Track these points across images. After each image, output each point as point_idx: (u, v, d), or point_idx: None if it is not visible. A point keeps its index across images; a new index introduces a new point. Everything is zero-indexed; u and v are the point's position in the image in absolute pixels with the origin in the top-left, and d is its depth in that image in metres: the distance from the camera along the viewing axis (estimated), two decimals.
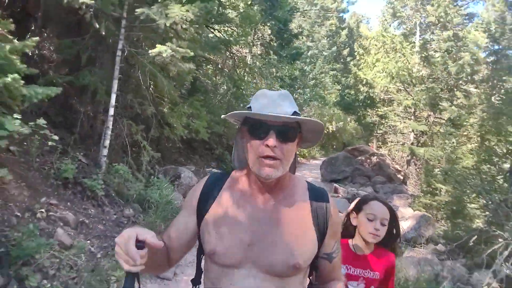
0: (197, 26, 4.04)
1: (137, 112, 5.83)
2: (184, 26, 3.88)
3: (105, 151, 5.06)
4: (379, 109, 13.87)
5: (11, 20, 3.55)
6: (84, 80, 5.04)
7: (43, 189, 4.45)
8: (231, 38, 6.88)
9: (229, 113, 1.07)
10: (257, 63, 11.16)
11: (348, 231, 1.79)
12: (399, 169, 12.89)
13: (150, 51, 4.15)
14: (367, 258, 1.76)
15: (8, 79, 2.86)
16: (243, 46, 9.19)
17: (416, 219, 6.54)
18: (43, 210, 4.07)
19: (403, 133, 12.74)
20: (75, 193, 4.89)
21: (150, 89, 5.71)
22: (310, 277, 1.21)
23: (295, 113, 1.04)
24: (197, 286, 1.20)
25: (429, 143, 10.75)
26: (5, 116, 3.08)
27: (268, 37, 10.76)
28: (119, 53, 4.82)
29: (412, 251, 5.94)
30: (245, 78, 9.63)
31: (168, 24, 3.78)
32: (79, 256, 3.76)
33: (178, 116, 6.65)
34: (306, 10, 15.21)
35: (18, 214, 3.87)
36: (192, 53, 3.95)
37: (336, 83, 22.31)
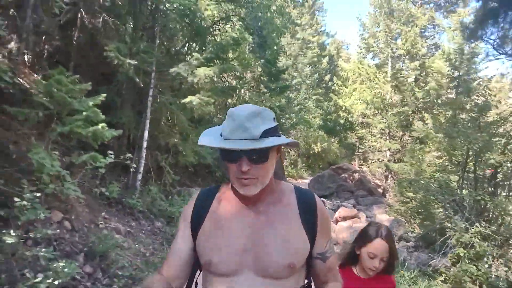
0: (215, 79, 5.56)
1: (159, 143, 7.25)
2: (206, 80, 5.38)
3: (139, 176, 6.42)
4: (357, 132, 15.66)
5: (78, 76, 4.97)
6: (121, 119, 6.45)
7: (96, 207, 5.76)
8: (238, 85, 8.47)
9: (200, 142, 1.11)
10: (248, 94, 12.75)
11: (351, 258, 1.91)
12: (379, 183, 14.51)
13: (183, 100, 5.62)
14: (370, 282, 1.87)
15: (99, 127, 4.28)
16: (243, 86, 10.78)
17: (390, 222, 8.06)
18: (102, 222, 5.39)
19: (380, 151, 14.50)
20: (118, 210, 6.20)
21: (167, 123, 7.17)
22: (306, 279, 1.26)
23: (266, 132, 1.05)
24: None
25: (403, 159, 12.44)
26: (92, 152, 4.48)
27: (258, 73, 12.43)
28: (150, 98, 6.28)
29: None
30: None
31: (195, 81, 5.28)
32: (136, 254, 5.09)
33: (188, 145, 8.08)
34: (289, 44, 17.03)
35: (86, 224, 5.19)
36: (212, 101, 5.45)
37: (318, 107, 24.20)
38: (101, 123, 4.35)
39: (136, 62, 5.61)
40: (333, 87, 19.15)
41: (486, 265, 5.44)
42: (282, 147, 1.18)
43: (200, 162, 8.88)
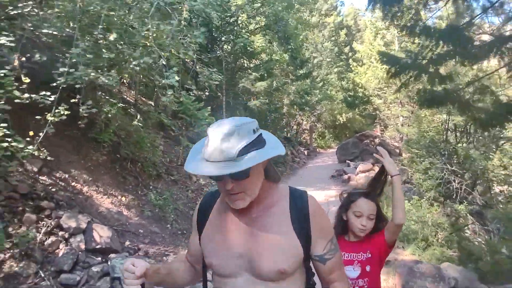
0: (267, 88, 9.16)
1: None
2: (261, 89, 8.98)
3: None
4: (374, 103, 19.02)
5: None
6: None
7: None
8: (280, 87, 12.06)
9: (186, 168, 1.20)
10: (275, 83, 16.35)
11: (341, 226, 2.08)
12: (397, 145, 17.92)
13: (249, 103, 9.34)
14: (358, 243, 2.04)
15: None
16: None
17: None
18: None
19: (394, 118, 17.87)
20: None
21: None
22: (308, 280, 1.34)
23: (244, 148, 1.11)
24: None
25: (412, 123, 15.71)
26: None
27: (285, 62, 15.94)
28: (224, 104, 10.07)
29: None
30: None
31: (257, 90, 8.92)
32: None
33: None
34: (306, 20, 19.86)
35: None
36: (267, 101, 9.09)
37: (340, 80, 27.30)
38: None
39: (217, 82, 9.37)
40: (350, 66, 22.32)
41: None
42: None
43: None
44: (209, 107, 8.18)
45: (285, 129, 21.54)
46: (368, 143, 19.53)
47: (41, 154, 3.97)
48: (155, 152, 7.16)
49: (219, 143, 1.11)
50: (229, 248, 1.27)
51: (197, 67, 6.15)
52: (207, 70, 6.27)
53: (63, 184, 5.19)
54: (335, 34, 31.34)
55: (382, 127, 21.28)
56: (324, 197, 9.77)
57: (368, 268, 2.00)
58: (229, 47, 9.24)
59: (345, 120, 28.68)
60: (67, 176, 5.34)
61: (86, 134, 5.86)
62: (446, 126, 10.67)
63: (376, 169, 13.20)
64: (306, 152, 21.56)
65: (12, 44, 3.68)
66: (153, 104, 7.98)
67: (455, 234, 7.01)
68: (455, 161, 9.79)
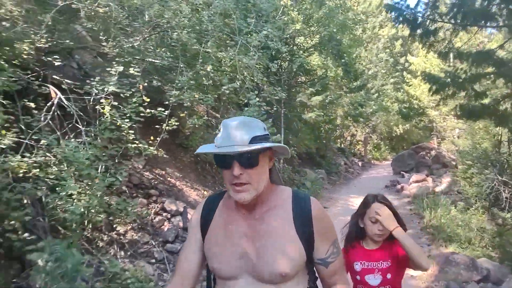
0: (322, 101, 10.41)
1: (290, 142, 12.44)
2: (317, 103, 10.21)
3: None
4: (429, 115, 19.39)
5: None
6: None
7: None
8: (334, 101, 13.27)
9: (197, 152, 1.31)
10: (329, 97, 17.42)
11: (358, 233, 2.12)
12: (453, 157, 18.11)
13: (304, 116, 10.64)
14: (377, 251, 2.09)
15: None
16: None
17: (448, 182, 12.25)
18: None
19: (451, 130, 18.14)
20: None
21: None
22: (310, 283, 1.37)
23: (255, 138, 1.22)
24: None
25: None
26: None
27: (338, 76, 17.01)
28: (283, 115, 11.43)
29: None
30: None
31: (313, 104, 10.18)
32: None
33: (303, 139, 13.15)
34: (360, 38, 20.70)
35: None
36: (322, 113, 10.31)
37: (396, 90, 27.59)
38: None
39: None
40: (404, 79, 22.81)
41: None
42: (275, 157, 1.35)
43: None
44: (270, 119, 9.59)
45: (338, 140, 22.44)
46: (424, 155, 19.81)
47: (159, 153, 5.57)
48: None
49: (234, 129, 1.22)
50: (231, 250, 1.29)
51: (265, 86, 7.58)
52: (273, 88, 7.67)
53: (161, 178, 6.82)
54: (390, 45, 31.67)
55: (439, 139, 21.40)
56: None
57: (389, 276, 2.05)
58: (286, 64, 10.62)
59: (402, 131, 28.80)
60: (163, 172, 6.98)
61: (175, 140, 7.50)
62: (499, 138, 11.14)
63: (430, 180, 13.78)
64: (360, 164, 22.23)
65: (139, 73, 5.32)
66: (225, 117, 9.56)
67: (498, 237, 7.66)
68: (507, 171, 10.26)
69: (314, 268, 1.38)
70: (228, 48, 5.98)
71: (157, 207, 6.03)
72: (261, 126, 1.30)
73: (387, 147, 29.83)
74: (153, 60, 5.36)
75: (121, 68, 4.60)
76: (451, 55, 5.72)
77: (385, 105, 24.13)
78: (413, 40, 7.08)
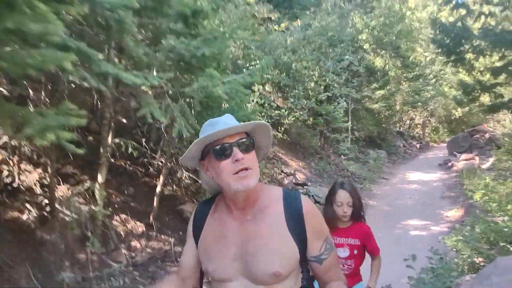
0: (383, 94, 13.80)
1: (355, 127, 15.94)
2: (380, 95, 13.54)
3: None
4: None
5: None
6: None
7: None
8: (394, 93, 16.43)
9: (191, 145, 1.34)
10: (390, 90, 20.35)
11: (332, 213, 2.65)
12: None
13: (369, 106, 14.03)
14: (347, 229, 2.68)
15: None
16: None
17: (493, 161, 15.11)
18: None
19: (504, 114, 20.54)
20: None
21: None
22: (303, 281, 1.42)
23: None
24: None
25: None
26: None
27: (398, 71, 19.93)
28: (349, 107, 14.92)
29: None
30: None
31: (376, 97, 13.50)
32: None
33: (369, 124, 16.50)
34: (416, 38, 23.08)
35: None
36: (384, 105, 13.62)
37: (454, 75, 29.39)
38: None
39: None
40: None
41: None
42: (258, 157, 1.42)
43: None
44: (341, 111, 13.18)
45: (398, 124, 25.33)
46: (478, 137, 22.21)
47: (287, 138, 9.51)
48: (311, 141, 12.52)
49: (222, 120, 1.36)
50: (224, 252, 1.35)
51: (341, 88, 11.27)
52: (345, 87, 11.33)
53: (273, 152, 10.77)
54: None
55: (495, 122, 23.62)
56: (428, 178, 14.02)
57: (355, 252, 2.63)
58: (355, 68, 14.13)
59: (461, 114, 30.63)
60: (273, 149, 10.92)
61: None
62: None
63: (477, 159, 16.58)
64: (418, 146, 24.99)
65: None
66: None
67: None
68: None
69: (308, 267, 1.42)
70: (322, 69, 9.74)
71: (279, 169, 9.99)
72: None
73: (445, 130, 31.81)
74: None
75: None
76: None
77: (442, 90, 26.32)
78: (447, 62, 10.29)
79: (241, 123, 1.33)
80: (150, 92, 3.83)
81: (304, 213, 1.36)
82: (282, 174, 9.83)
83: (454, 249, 4.32)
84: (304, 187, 9.60)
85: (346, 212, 2.60)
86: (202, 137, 1.30)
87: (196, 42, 3.90)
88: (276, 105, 10.19)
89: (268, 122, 9.26)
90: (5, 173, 4.35)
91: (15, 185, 4.32)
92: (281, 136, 9.28)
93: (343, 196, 2.61)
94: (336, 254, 1.50)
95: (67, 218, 4.38)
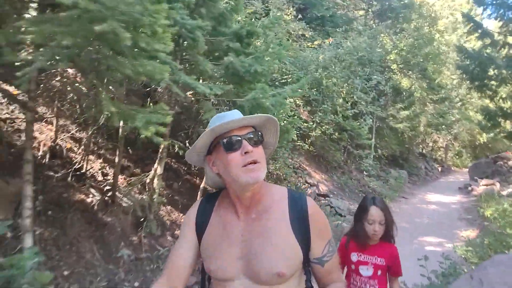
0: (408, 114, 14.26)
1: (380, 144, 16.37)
2: (405, 116, 14.05)
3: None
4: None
5: None
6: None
7: None
8: (419, 114, 16.97)
9: (200, 136, 1.35)
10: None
11: (360, 231, 2.51)
12: None
13: (393, 125, 14.51)
14: (374, 247, 2.50)
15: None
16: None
17: None
18: None
19: None
20: None
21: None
22: (306, 283, 1.42)
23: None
24: None
25: None
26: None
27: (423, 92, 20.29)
28: (374, 125, 15.38)
29: None
30: None
31: (401, 117, 13.98)
32: None
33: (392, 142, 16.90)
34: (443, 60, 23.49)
35: None
36: (408, 124, 14.11)
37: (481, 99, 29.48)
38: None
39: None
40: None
41: None
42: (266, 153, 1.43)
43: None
44: (366, 128, 13.65)
45: (420, 145, 25.52)
46: (502, 164, 22.24)
47: (313, 150, 10.09)
48: (335, 155, 13.03)
49: (231, 114, 1.37)
50: (228, 251, 1.35)
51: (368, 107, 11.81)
52: (372, 105, 11.86)
53: (299, 163, 11.33)
54: None
55: None
56: (447, 200, 14.32)
57: (379, 273, 2.48)
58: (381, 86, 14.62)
59: (485, 140, 30.56)
60: (299, 159, 11.48)
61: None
62: None
63: (498, 184, 16.74)
64: (439, 169, 25.13)
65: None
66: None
67: None
68: None
69: (309, 268, 1.42)
70: (350, 86, 10.32)
71: (303, 179, 10.54)
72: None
73: (468, 155, 31.75)
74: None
75: None
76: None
77: (467, 114, 26.44)
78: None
79: (250, 115, 1.34)
80: (211, 100, 4.50)
81: (310, 214, 1.37)
82: (306, 184, 10.37)
83: (463, 257, 4.80)
84: (326, 198, 10.11)
85: (377, 231, 2.46)
86: (212, 127, 1.31)
87: (249, 59, 4.55)
88: (303, 118, 10.80)
89: (297, 133, 10.09)
90: (74, 160, 5.07)
91: (82, 171, 5.04)
92: (307, 148, 9.83)
93: (375, 213, 2.47)
94: (338, 257, 1.51)
95: (124, 204, 5.06)
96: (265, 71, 4.78)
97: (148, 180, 5.19)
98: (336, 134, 12.45)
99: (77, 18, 2.15)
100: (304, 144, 9.65)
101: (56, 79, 4.60)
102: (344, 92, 10.84)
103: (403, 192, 15.07)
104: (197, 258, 1.46)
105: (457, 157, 31.11)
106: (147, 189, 5.17)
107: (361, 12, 17.19)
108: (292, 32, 10.59)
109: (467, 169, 26.04)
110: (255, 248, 1.32)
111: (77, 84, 4.90)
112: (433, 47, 15.56)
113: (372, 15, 16.71)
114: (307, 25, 12.07)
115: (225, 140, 1.31)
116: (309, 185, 10.39)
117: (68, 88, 4.99)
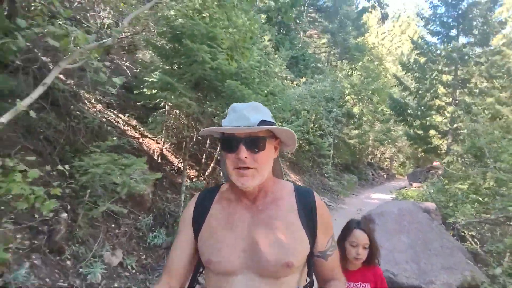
0: (358, 133, 19.65)
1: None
2: (355, 134, 19.30)
3: None
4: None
5: None
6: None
7: None
8: (367, 132, 22.57)
9: (202, 130, 1.36)
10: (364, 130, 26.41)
11: (342, 254, 2.37)
12: None
13: (348, 141, 19.80)
14: (357, 272, 2.41)
15: None
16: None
17: None
18: None
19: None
20: None
21: None
22: (308, 278, 1.44)
23: (263, 122, 1.28)
24: None
25: None
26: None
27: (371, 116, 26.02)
28: (333, 141, 20.65)
29: None
30: None
31: (352, 135, 19.24)
32: None
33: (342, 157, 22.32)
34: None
35: None
36: (358, 140, 19.43)
37: None
38: None
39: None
40: None
41: None
42: (282, 150, 1.46)
43: None
44: (327, 143, 18.84)
45: (369, 156, 31.36)
46: (434, 172, 28.38)
47: (291, 158, 15.07)
48: (304, 162, 18.10)
49: (243, 111, 1.31)
50: (231, 243, 1.35)
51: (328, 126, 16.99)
52: (332, 127, 17.09)
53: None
54: None
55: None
56: (385, 197, 19.63)
57: None
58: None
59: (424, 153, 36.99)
60: (283, 165, 16.36)
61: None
62: None
63: (425, 186, 22.43)
64: (385, 176, 31.00)
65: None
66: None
67: None
68: None
69: (312, 263, 1.45)
70: (318, 115, 15.44)
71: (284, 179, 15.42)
72: (269, 113, 1.38)
73: (411, 165, 38.07)
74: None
75: None
76: None
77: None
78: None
79: (262, 122, 1.32)
80: None
81: (317, 208, 1.43)
82: None
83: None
84: None
85: (360, 255, 2.39)
86: (209, 128, 1.35)
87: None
88: None
89: None
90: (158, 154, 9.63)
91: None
92: (288, 156, 14.78)
93: (359, 236, 2.41)
94: (338, 254, 1.56)
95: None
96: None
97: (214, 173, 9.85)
98: (307, 147, 17.50)
99: None
100: (287, 153, 14.54)
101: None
102: (313, 118, 15.90)
103: (354, 191, 20.32)
104: (195, 254, 1.47)
105: (401, 167, 37.23)
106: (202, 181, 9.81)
107: (324, 54, 22.67)
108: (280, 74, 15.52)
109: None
110: (262, 239, 1.34)
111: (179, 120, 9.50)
112: (378, 83, 21.17)
113: (334, 55, 22.21)
114: (288, 68, 17.07)
115: (223, 139, 1.36)
116: None
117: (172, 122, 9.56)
